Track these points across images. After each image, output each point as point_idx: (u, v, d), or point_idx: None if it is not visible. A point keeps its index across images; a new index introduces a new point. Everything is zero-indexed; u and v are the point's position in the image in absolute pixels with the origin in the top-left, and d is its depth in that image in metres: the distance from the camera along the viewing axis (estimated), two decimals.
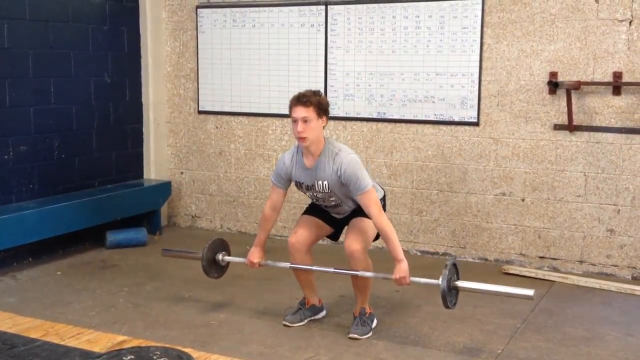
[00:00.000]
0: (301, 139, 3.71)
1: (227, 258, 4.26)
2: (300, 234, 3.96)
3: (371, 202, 3.71)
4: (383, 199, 3.95)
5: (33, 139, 5.31)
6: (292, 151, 3.94)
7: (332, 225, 4.08)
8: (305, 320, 4.08)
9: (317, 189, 3.84)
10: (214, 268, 4.26)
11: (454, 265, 3.71)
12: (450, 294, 3.64)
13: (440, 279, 3.62)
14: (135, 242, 5.71)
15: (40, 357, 3.12)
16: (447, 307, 3.67)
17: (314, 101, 3.70)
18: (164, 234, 6.16)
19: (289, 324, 4.03)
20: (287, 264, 4.04)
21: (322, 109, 3.73)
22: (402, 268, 3.69)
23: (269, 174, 6.05)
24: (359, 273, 3.82)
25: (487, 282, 4.84)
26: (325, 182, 3.78)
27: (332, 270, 3.98)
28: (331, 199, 3.86)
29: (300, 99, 3.71)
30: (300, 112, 3.68)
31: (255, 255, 4.08)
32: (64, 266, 5.21)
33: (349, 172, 3.71)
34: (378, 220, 3.70)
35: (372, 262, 3.90)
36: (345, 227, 4.06)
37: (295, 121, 3.71)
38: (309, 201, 4.11)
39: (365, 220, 3.84)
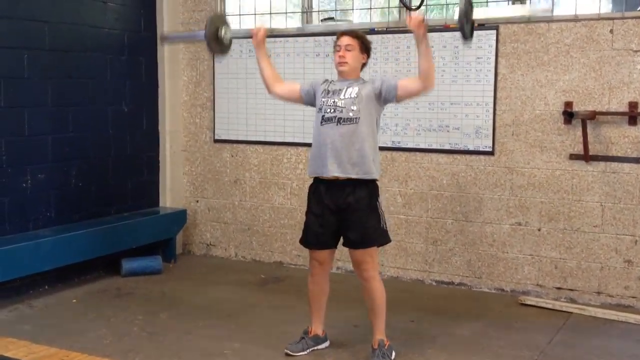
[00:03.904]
0: (341, 63, 3.88)
1: (230, 34, 4.18)
2: (317, 278, 4.06)
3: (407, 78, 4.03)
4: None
5: (50, 167, 5.36)
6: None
7: (332, 232, 3.96)
8: (308, 350, 4.03)
9: (343, 95, 3.87)
10: (217, 44, 4.16)
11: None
12: (467, 23, 3.70)
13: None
14: (150, 270, 5.72)
15: None
16: (464, 37, 3.75)
17: (360, 35, 3.94)
18: (178, 262, 6.17)
19: (291, 353, 3.99)
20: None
21: (365, 45, 3.93)
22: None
23: (283, 202, 6.07)
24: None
25: (503, 314, 4.85)
26: (356, 89, 3.87)
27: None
28: (352, 108, 3.82)
29: (348, 31, 3.96)
30: (346, 40, 3.88)
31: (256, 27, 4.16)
32: (80, 294, 5.22)
33: (384, 77, 3.97)
34: (419, 77, 3.86)
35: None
36: (344, 240, 3.98)
37: (339, 49, 3.89)
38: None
39: (367, 249, 3.88)
